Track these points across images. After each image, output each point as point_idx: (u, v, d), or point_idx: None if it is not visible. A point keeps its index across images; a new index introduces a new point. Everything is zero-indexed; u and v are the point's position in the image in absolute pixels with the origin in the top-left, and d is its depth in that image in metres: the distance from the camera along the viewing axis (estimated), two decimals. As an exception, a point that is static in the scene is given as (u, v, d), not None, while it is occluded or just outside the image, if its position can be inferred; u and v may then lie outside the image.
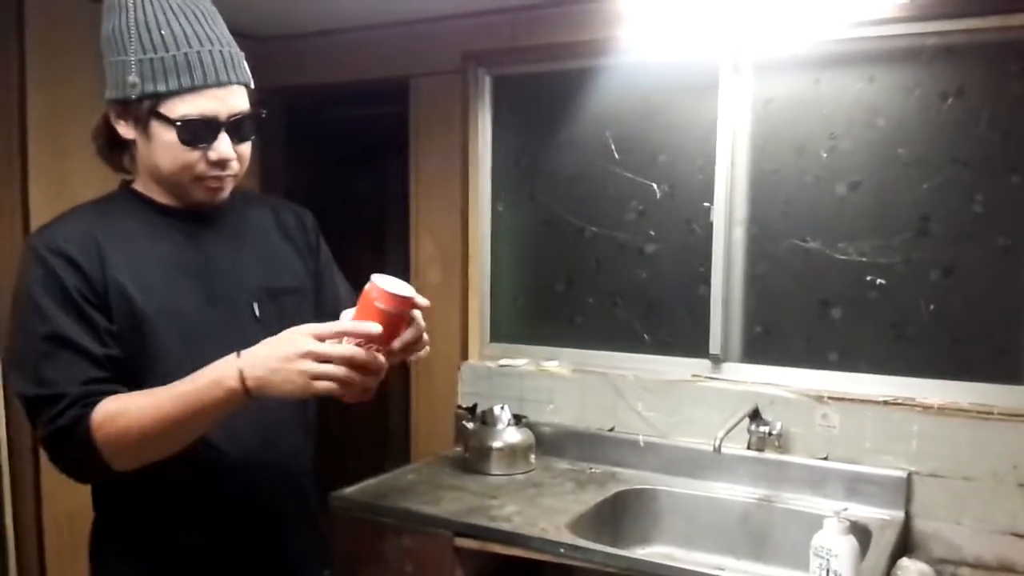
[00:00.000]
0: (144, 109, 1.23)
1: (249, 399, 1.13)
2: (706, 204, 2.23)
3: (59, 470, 1.22)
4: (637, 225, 2.34)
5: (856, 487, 1.97)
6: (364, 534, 1.96)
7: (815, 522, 1.62)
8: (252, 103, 1.30)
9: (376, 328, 1.10)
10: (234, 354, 1.14)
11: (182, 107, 1.22)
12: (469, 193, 2.54)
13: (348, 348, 1.09)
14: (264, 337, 1.25)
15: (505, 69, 2.51)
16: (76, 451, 1.16)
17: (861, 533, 1.77)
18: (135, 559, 1.29)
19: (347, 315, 1.18)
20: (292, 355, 1.09)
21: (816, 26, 2.05)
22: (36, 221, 2.24)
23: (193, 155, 1.24)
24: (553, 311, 2.50)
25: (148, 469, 1.23)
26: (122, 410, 1.15)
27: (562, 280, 2.48)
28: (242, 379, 1.11)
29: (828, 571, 1.54)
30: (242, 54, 1.30)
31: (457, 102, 2.51)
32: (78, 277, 1.21)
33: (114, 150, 1.34)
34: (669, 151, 2.29)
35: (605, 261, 2.39)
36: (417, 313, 1.21)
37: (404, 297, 1.12)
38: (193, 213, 1.33)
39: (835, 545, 1.55)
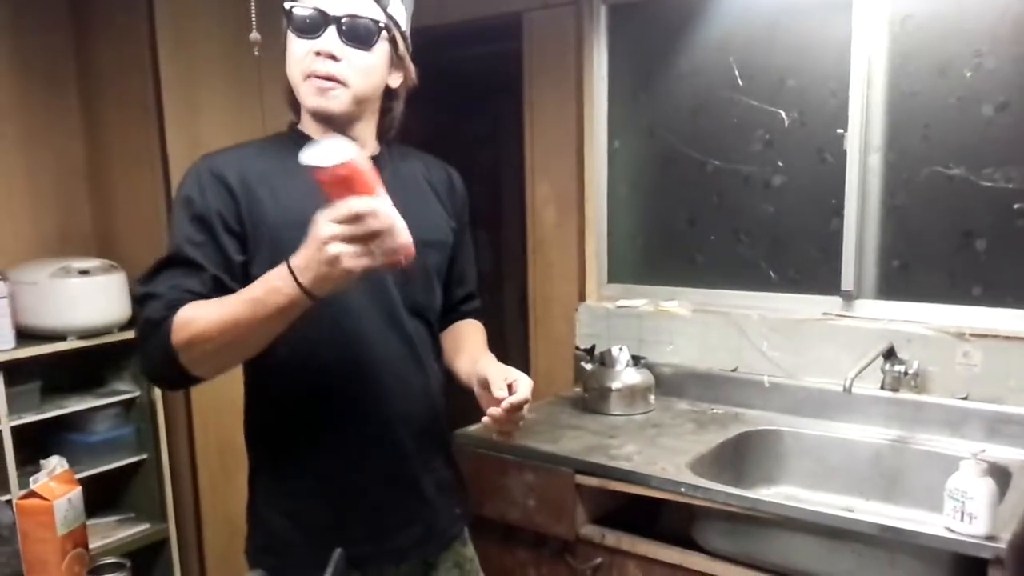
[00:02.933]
0: (284, 20, 1.35)
1: (313, 299, 1.17)
2: (839, 131, 2.19)
3: (147, 377, 1.38)
4: (763, 156, 2.32)
5: (997, 428, 1.94)
6: (488, 470, 2.10)
7: (951, 464, 1.62)
8: (387, 18, 1.37)
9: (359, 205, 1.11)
10: (286, 262, 1.18)
11: (303, 1, 1.34)
12: (584, 130, 2.58)
13: (346, 208, 1.10)
14: (401, 285, 1.39)
15: (622, -3, 2.52)
16: (157, 351, 1.26)
17: (1000, 475, 1.75)
18: (283, 486, 1.45)
19: None
20: (320, 244, 1.12)
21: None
22: (175, 172, 2.50)
23: (302, 46, 1.34)
24: (672, 250, 2.54)
25: (291, 402, 1.40)
26: (196, 315, 1.24)
27: (682, 218, 2.50)
28: (298, 283, 1.16)
29: (963, 514, 1.54)
30: None
31: (571, 35, 2.54)
32: (225, 203, 1.34)
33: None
34: (798, 75, 2.25)
35: (728, 196, 2.40)
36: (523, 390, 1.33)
37: (333, 165, 1.11)
38: None
39: (971, 487, 1.53)
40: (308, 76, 1.35)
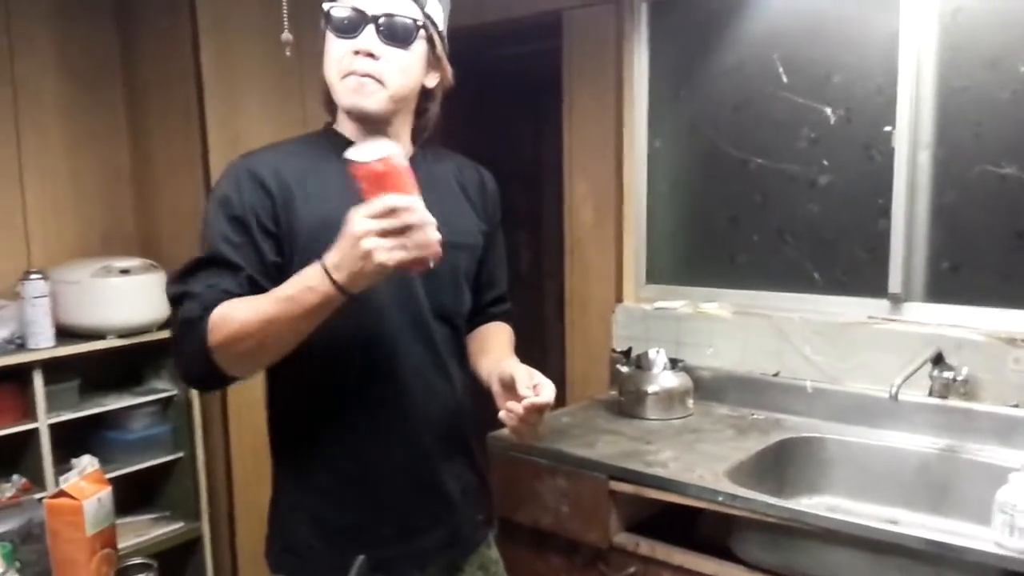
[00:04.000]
0: (323, 21, 1.38)
1: (346, 296, 1.20)
2: (887, 128, 2.16)
3: (182, 377, 1.39)
4: (808, 154, 2.30)
5: (1051, 439, 1.90)
6: (521, 474, 2.10)
7: (1001, 475, 1.59)
8: (426, 18, 1.40)
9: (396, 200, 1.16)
10: (319, 261, 1.21)
11: (341, 1, 1.37)
12: (624, 129, 2.58)
13: (382, 203, 1.15)
14: (428, 288, 1.41)
15: (663, -6, 2.52)
16: (193, 350, 1.29)
17: None
18: (306, 488, 1.47)
19: None
20: (354, 240, 1.15)
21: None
22: (216, 174, 2.54)
23: (340, 46, 1.37)
24: (713, 250, 2.52)
25: (314, 403, 1.42)
26: (230, 315, 1.27)
27: (723, 217, 2.49)
28: (332, 281, 1.19)
29: (1013, 528, 1.51)
30: None
31: (612, 33, 2.55)
32: (262, 203, 1.36)
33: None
34: (845, 71, 2.23)
35: (772, 195, 2.38)
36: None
37: (372, 160, 1.17)
38: None
39: (1022, 501, 1.51)
40: (346, 74, 1.38)
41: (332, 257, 1.19)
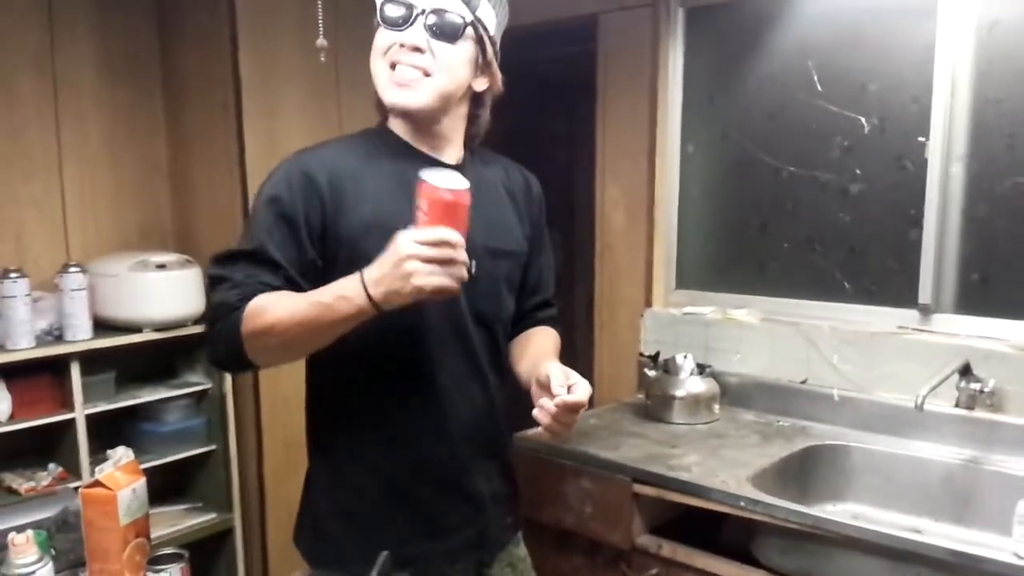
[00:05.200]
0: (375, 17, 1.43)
1: (378, 311, 1.27)
2: (920, 139, 2.20)
3: (208, 356, 1.46)
4: (841, 163, 2.35)
5: (1077, 452, 1.93)
6: (546, 475, 2.16)
7: None
8: (475, 16, 1.44)
9: (451, 235, 1.24)
10: (358, 273, 1.27)
11: None
12: (657, 134, 2.64)
13: (436, 233, 1.22)
14: (469, 295, 1.45)
15: (700, 0, 2.57)
16: (225, 335, 1.36)
17: None
18: (340, 482, 1.53)
19: None
20: (398, 260, 1.22)
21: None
22: (251, 172, 2.66)
23: (388, 39, 1.41)
24: (743, 257, 2.58)
25: (352, 402, 1.48)
26: (266, 306, 1.33)
27: (755, 224, 2.54)
28: (368, 295, 1.26)
29: None
30: None
31: (647, 37, 2.61)
32: (310, 202, 1.40)
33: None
34: (879, 80, 2.27)
35: (803, 203, 2.43)
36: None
37: (443, 188, 1.24)
38: (436, 161, 1.48)
39: None
40: (392, 65, 1.42)
41: (372, 272, 1.26)
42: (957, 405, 2.10)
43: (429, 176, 1.25)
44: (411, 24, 1.41)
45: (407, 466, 1.52)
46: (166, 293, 2.65)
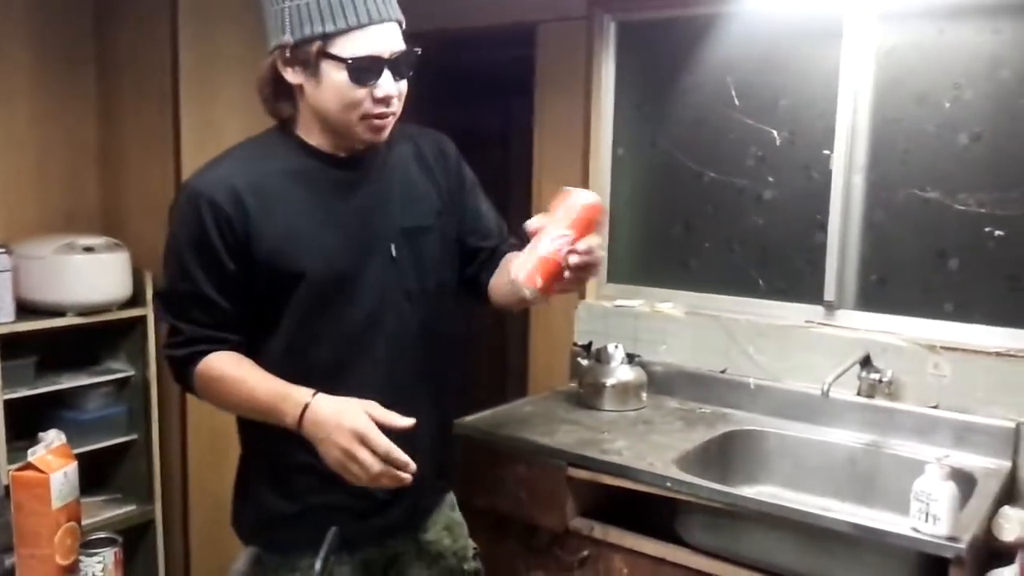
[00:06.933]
0: (313, 51, 1.37)
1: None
2: (826, 151, 2.34)
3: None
4: (756, 171, 2.48)
5: (964, 436, 2.09)
6: (482, 461, 2.17)
7: (921, 469, 1.70)
8: (419, 51, 1.46)
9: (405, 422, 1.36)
10: (310, 397, 1.36)
11: (351, 46, 1.36)
12: (591, 137, 2.71)
13: (388, 446, 1.32)
14: (398, 277, 1.49)
15: (629, 15, 2.67)
16: (180, 380, 1.52)
17: (966, 481, 1.88)
18: (276, 465, 1.54)
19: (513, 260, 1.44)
20: (345, 428, 1.31)
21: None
22: (187, 158, 2.59)
23: (360, 93, 1.39)
24: (669, 254, 2.68)
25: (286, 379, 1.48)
26: (218, 379, 1.45)
27: (679, 224, 2.65)
28: (300, 423, 1.36)
29: (927, 515, 1.64)
30: None
31: (582, 47, 2.68)
32: (222, 225, 1.41)
33: (279, 99, 1.49)
34: (790, 97, 2.41)
35: (723, 206, 2.55)
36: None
37: (591, 205, 1.41)
38: (341, 158, 1.49)
39: (935, 490, 1.63)
40: (365, 117, 1.43)
41: (315, 412, 1.35)
42: (859, 394, 2.23)
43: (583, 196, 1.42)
44: (381, 77, 1.41)
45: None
46: (92, 277, 2.57)
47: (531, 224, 1.38)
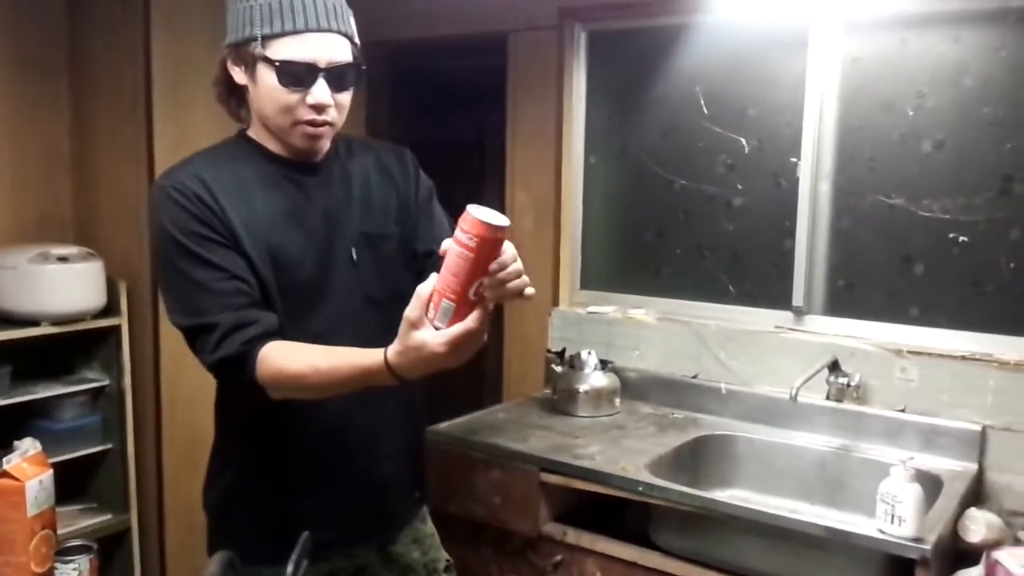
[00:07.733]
0: (252, 52, 1.40)
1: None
2: (793, 159, 2.37)
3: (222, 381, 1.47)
4: (725, 178, 2.50)
5: (931, 439, 2.12)
6: (456, 467, 2.18)
7: (888, 471, 1.72)
8: (356, 56, 1.46)
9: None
10: (382, 360, 1.28)
11: (284, 50, 1.38)
12: (563, 145, 2.73)
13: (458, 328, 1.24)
14: (360, 281, 1.49)
15: (600, 25, 2.69)
16: (240, 378, 1.37)
17: (932, 483, 1.92)
18: (241, 476, 1.53)
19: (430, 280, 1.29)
20: (432, 358, 1.24)
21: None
22: (160, 164, 2.57)
23: (292, 98, 1.40)
24: (641, 261, 2.70)
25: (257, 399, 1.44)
26: (285, 366, 1.35)
27: (651, 231, 2.66)
28: (398, 376, 1.28)
29: (893, 517, 1.66)
30: (349, 9, 1.46)
31: (553, 57, 2.70)
32: (206, 213, 1.40)
33: (232, 97, 1.51)
34: (758, 106, 2.44)
35: (693, 213, 2.57)
36: (509, 250, 1.25)
37: (493, 225, 1.20)
38: (301, 162, 1.50)
39: (900, 492, 1.65)
40: (297, 123, 1.43)
41: (399, 362, 1.26)
42: (828, 398, 2.25)
43: (482, 215, 1.21)
44: (314, 83, 1.41)
45: (311, 450, 1.52)
46: (66, 286, 2.54)
47: (443, 247, 1.26)
